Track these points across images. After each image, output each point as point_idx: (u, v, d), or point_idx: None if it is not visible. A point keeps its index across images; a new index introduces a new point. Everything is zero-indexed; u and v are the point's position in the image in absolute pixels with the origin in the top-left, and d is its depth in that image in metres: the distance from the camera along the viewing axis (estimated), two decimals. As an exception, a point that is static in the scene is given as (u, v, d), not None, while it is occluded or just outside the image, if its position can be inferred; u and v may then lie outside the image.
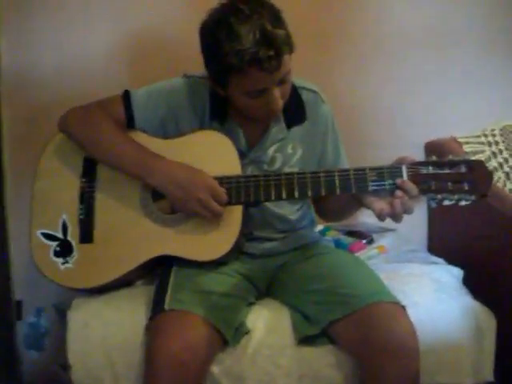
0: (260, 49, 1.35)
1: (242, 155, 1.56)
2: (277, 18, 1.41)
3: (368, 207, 1.40)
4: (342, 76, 2.32)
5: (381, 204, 1.36)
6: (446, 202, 1.37)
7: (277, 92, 1.45)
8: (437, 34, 2.34)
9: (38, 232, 1.59)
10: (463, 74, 2.38)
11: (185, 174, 1.48)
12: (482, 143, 2.30)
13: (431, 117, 2.38)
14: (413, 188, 1.35)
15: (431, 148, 2.32)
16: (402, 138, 2.35)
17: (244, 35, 1.35)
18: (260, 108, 1.47)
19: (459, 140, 2.29)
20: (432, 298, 1.70)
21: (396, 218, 1.35)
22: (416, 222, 2.28)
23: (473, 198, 1.35)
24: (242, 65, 1.37)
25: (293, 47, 1.43)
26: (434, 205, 1.39)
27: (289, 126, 1.61)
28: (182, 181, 1.47)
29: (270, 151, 1.61)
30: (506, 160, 2.29)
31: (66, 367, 1.56)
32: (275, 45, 1.36)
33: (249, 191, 1.47)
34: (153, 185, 1.52)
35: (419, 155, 2.26)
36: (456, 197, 1.36)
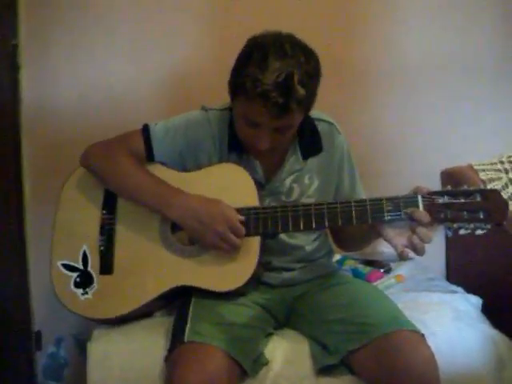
0: (274, 90, 1.37)
1: (260, 186, 1.58)
2: (310, 76, 1.43)
3: (387, 241, 1.40)
4: (357, 109, 2.35)
5: (400, 241, 1.36)
6: (462, 231, 1.37)
7: (267, 134, 1.46)
8: (450, 63, 2.37)
9: (59, 263, 1.61)
10: (477, 100, 2.40)
11: (202, 207, 1.50)
12: (499, 170, 2.30)
13: (446, 145, 2.39)
14: (425, 216, 1.35)
15: (447, 176, 2.33)
16: (417, 167, 2.37)
17: (271, 70, 1.38)
18: (248, 137, 1.51)
19: (475, 167, 2.29)
20: (451, 327, 1.69)
21: (418, 252, 1.35)
22: (434, 251, 2.28)
23: (488, 226, 1.35)
24: (251, 92, 1.40)
25: (308, 109, 1.46)
26: (450, 234, 1.39)
27: (305, 156, 1.63)
28: (199, 214, 1.49)
29: (287, 182, 1.62)
30: (524, 186, 2.28)
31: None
32: (289, 96, 1.39)
33: (266, 222, 1.49)
34: (171, 218, 1.54)
35: (435, 184, 2.28)
36: (472, 226, 1.36)
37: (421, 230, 1.34)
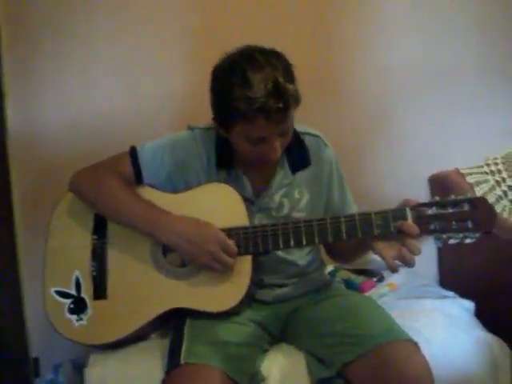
0: (270, 100, 1.39)
1: (250, 203, 1.59)
2: (289, 72, 1.45)
3: (377, 254, 1.42)
4: (341, 117, 2.36)
5: (390, 253, 1.38)
6: (452, 241, 1.39)
7: (277, 142, 1.48)
8: (436, 68, 2.40)
9: (52, 290, 1.61)
10: (462, 104, 2.43)
11: (194, 229, 1.51)
12: (486, 173, 2.32)
13: (433, 150, 2.41)
14: (414, 228, 1.36)
15: (435, 181, 2.35)
16: (405, 173, 2.38)
17: (256, 84, 1.39)
18: (258, 154, 1.51)
19: (462, 171, 2.31)
20: (445, 333, 1.71)
21: (408, 264, 1.36)
22: (426, 257, 2.26)
23: (477, 235, 1.37)
24: (249, 112, 1.40)
25: (299, 102, 1.47)
26: (439, 244, 1.41)
27: (293, 171, 1.64)
28: (191, 235, 1.50)
29: (277, 197, 1.63)
30: (511, 187, 2.31)
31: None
32: (285, 98, 1.40)
33: (257, 241, 1.50)
34: (163, 241, 1.54)
35: (423, 189, 2.31)
36: (461, 235, 1.37)
37: (410, 242, 1.36)
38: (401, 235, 1.37)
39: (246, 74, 1.41)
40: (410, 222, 1.38)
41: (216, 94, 1.50)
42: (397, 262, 1.37)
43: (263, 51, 1.47)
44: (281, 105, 1.40)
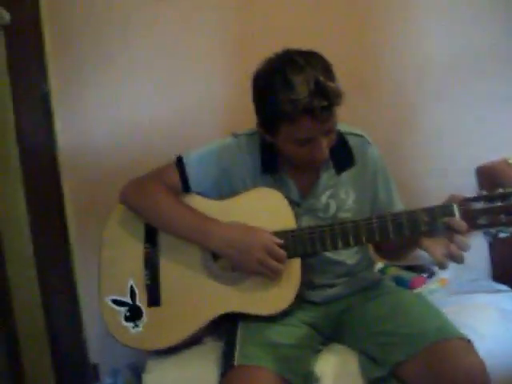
0: (314, 99, 1.41)
1: (297, 205, 1.60)
2: (328, 70, 1.47)
3: (425, 251, 1.42)
4: (383, 112, 2.35)
5: (438, 250, 1.37)
6: (502, 235, 1.37)
7: (324, 141, 1.49)
8: (474, 57, 2.36)
9: (108, 298, 1.66)
10: (507, 92, 2.38)
11: (241, 236, 1.53)
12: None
13: (480, 139, 2.37)
14: (462, 225, 1.36)
15: (482, 173, 2.31)
16: (451, 165, 2.35)
17: (299, 85, 1.41)
18: (306, 155, 1.52)
19: (510, 162, 2.26)
20: (499, 329, 1.69)
21: (457, 261, 1.36)
22: (477, 250, 2.23)
23: None
24: (295, 113, 1.42)
25: (342, 99, 1.47)
26: (490, 239, 1.40)
27: (338, 171, 1.65)
28: (238, 243, 1.52)
29: (323, 198, 1.64)
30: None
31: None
32: (328, 96, 1.42)
33: (305, 243, 1.51)
34: (211, 249, 1.58)
35: (470, 181, 2.27)
36: (511, 229, 1.36)
37: (459, 238, 1.35)
38: (449, 231, 1.37)
39: (287, 77, 1.43)
40: (457, 218, 1.37)
41: (260, 100, 1.52)
42: (445, 258, 1.37)
43: (301, 53, 1.49)
44: (325, 103, 1.41)
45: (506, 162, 2.26)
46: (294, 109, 1.42)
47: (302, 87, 1.41)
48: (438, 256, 1.37)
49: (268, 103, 1.48)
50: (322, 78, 1.42)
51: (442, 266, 1.38)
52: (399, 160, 2.27)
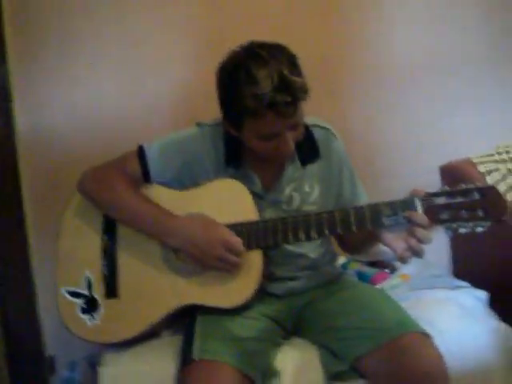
0: (278, 94, 1.38)
1: (260, 198, 1.59)
2: (294, 64, 1.45)
3: (386, 245, 1.42)
4: (351, 109, 2.35)
5: (399, 244, 1.37)
6: (462, 230, 1.38)
7: (289, 136, 1.47)
8: (444, 57, 2.38)
9: (63, 289, 1.62)
10: (473, 92, 2.41)
11: (199, 232, 1.51)
12: (497, 161, 2.30)
13: (443, 140, 2.39)
14: (423, 219, 1.36)
15: (446, 172, 2.33)
16: (415, 164, 2.37)
17: (262, 79, 1.39)
18: (271, 150, 1.50)
19: (474, 161, 2.29)
20: (458, 325, 1.70)
21: (418, 254, 1.36)
22: (439, 246, 2.28)
23: (488, 224, 1.35)
24: (258, 108, 1.40)
25: (308, 94, 1.46)
26: (450, 234, 1.40)
27: (303, 163, 1.64)
28: (197, 240, 1.50)
29: (287, 191, 1.63)
30: (523, 175, 2.28)
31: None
32: (292, 91, 1.40)
33: (267, 235, 1.50)
34: (170, 245, 1.56)
35: (434, 180, 2.29)
36: (471, 224, 1.36)
37: (420, 231, 1.35)
38: (410, 225, 1.37)
39: (250, 71, 1.41)
40: (419, 212, 1.37)
41: (223, 94, 1.50)
42: (406, 252, 1.37)
43: (266, 46, 1.46)
44: (289, 98, 1.39)
45: (469, 161, 2.29)
46: (257, 104, 1.39)
47: (265, 82, 1.38)
48: (398, 250, 1.37)
49: (231, 98, 1.46)
50: (286, 72, 1.40)
51: (403, 260, 1.38)
52: (364, 158, 2.28)
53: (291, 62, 1.44)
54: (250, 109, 1.41)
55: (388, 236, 1.41)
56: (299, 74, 1.44)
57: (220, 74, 1.50)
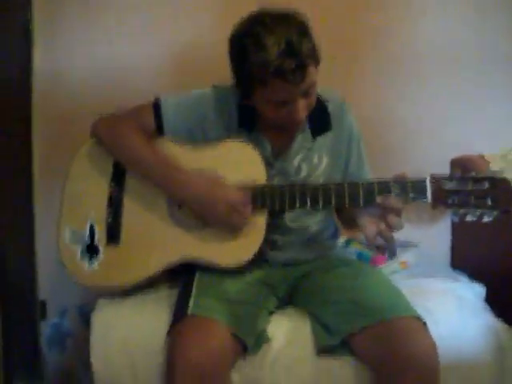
0: (284, 60, 1.37)
1: (269, 165, 1.58)
2: (303, 30, 1.43)
3: (361, 229, 1.45)
4: (369, 89, 2.33)
5: (372, 228, 1.41)
6: (469, 218, 1.37)
7: (300, 103, 1.47)
8: (462, 51, 2.34)
9: (67, 228, 1.63)
10: (492, 89, 2.38)
11: (206, 190, 1.51)
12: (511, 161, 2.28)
13: (456, 134, 2.37)
14: (398, 203, 1.37)
15: (457, 164, 2.31)
16: (427, 155, 2.35)
17: (269, 46, 1.38)
18: (282, 117, 1.50)
19: (486, 158, 2.27)
20: (454, 316, 1.68)
21: (387, 240, 1.38)
22: (439, 238, 2.27)
23: (495, 213, 1.35)
24: (266, 76, 1.40)
25: (318, 60, 1.45)
26: (456, 219, 1.39)
27: (314, 135, 1.63)
28: (204, 197, 1.51)
29: (296, 161, 1.62)
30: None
31: (88, 368, 1.58)
32: (300, 57, 1.39)
33: (274, 199, 1.50)
34: (176, 199, 1.56)
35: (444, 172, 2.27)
36: (478, 212, 1.36)
37: (390, 218, 1.36)
38: (382, 210, 1.38)
39: (258, 38, 1.40)
40: (392, 196, 1.38)
41: (234, 62, 1.49)
42: (378, 238, 1.39)
43: (275, 13, 1.45)
44: (295, 63, 1.38)
45: (481, 156, 2.27)
46: (264, 71, 1.39)
47: (272, 48, 1.38)
48: (370, 234, 1.40)
49: (241, 65, 1.45)
50: (294, 38, 1.39)
51: (375, 245, 1.40)
52: (377, 136, 2.25)
53: (301, 28, 1.43)
54: (257, 76, 1.41)
55: (364, 219, 1.42)
56: (309, 41, 1.43)
57: (231, 41, 1.49)
